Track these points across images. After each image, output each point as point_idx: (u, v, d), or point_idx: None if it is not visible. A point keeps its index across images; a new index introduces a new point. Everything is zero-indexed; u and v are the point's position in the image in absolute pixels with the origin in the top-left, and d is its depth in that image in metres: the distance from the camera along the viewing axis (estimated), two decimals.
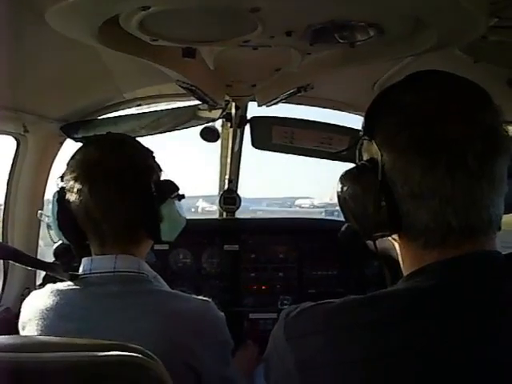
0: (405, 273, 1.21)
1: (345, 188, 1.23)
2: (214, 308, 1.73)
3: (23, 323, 1.69)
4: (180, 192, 1.82)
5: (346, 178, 1.24)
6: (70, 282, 1.69)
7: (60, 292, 1.67)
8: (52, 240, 1.87)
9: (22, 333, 1.69)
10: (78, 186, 1.68)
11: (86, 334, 1.36)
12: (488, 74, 1.60)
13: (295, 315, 1.19)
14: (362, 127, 1.24)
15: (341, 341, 1.09)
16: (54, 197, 1.75)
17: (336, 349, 1.08)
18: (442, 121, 1.10)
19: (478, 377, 0.99)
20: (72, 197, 1.70)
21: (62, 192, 1.73)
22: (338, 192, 1.26)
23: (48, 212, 1.78)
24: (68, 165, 1.76)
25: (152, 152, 1.83)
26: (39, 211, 1.90)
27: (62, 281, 1.73)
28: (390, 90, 1.24)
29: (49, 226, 1.81)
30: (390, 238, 1.25)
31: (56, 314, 1.63)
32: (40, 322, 1.62)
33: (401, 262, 1.25)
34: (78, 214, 1.70)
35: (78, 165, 1.73)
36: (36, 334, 1.61)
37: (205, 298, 1.73)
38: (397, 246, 1.25)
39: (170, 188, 1.80)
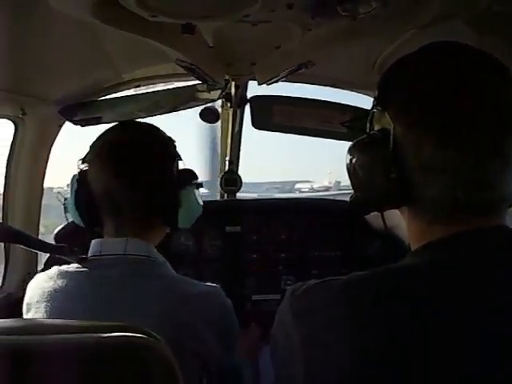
0: (412, 248, 1.20)
1: (355, 158, 1.22)
2: (223, 295, 1.75)
3: (28, 305, 1.69)
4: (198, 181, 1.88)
5: (356, 147, 1.23)
6: (77, 265, 1.69)
7: (68, 274, 1.67)
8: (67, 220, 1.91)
9: (26, 315, 1.69)
10: (101, 165, 1.73)
11: (95, 316, 1.34)
12: (492, 47, 1.58)
13: (301, 292, 1.18)
14: (375, 97, 1.22)
15: (347, 317, 1.08)
16: (74, 177, 1.78)
17: (342, 325, 1.08)
18: (458, 94, 1.08)
19: (479, 347, 0.99)
20: (94, 176, 1.74)
21: (83, 173, 1.77)
22: (347, 161, 1.25)
23: (67, 193, 1.82)
24: (92, 146, 1.80)
25: (174, 141, 1.88)
26: (58, 190, 1.92)
27: (67, 264, 1.73)
28: (406, 59, 1.22)
29: (65, 208, 1.84)
30: (398, 210, 1.24)
31: (64, 296, 1.62)
32: (48, 304, 1.62)
33: (408, 237, 1.24)
34: (98, 194, 1.74)
35: (104, 145, 1.78)
36: (43, 315, 1.61)
37: (213, 285, 1.75)
38: (405, 220, 1.24)
39: (191, 176, 1.85)
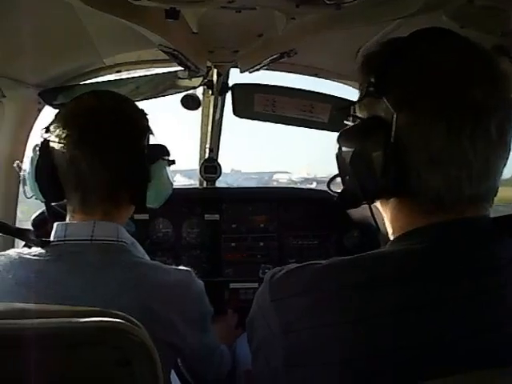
0: (393, 236, 1.21)
1: (348, 146, 1.17)
2: (195, 279, 1.68)
3: None
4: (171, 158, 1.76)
5: (349, 135, 1.19)
6: (39, 250, 1.56)
7: (28, 262, 1.53)
8: (25, 196, 1.73)
9: None
10: (65, 132, 1.57)
11: None
12: (474, 40, 1.60)
13: (281, 276, 1.17)
14: (369, 82, 1.15)
15: (327, 302, 1.08)
16: (35, 147, 1.63)
17: (321, 310, 1.08)
18: (473, 86, 1.07)
19: (468, 336, 1.00)
20: (57, 145, 1.58)
21: (45, 143, 1.61)
22: (338, 150, 1.20)
23: (27, 164, 1.67)
24: (58, 114, 1.66)
25: (147, 114, 1.75)
26: (16, 161, 1.77)
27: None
28: (410, 44, 1.17)
29: (24, 180, 1.69)
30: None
31: (29, 291, 1.47)
32: (12, 298, 1.44)
33: (388, 226, 1.24)
34: (61, 164, 1.59)
35: (69, 113, 1.64)
36: None
37: (185, 269, 1.68)
38: (385, 208, 1.23)
39: (163, 151, 1.73)
